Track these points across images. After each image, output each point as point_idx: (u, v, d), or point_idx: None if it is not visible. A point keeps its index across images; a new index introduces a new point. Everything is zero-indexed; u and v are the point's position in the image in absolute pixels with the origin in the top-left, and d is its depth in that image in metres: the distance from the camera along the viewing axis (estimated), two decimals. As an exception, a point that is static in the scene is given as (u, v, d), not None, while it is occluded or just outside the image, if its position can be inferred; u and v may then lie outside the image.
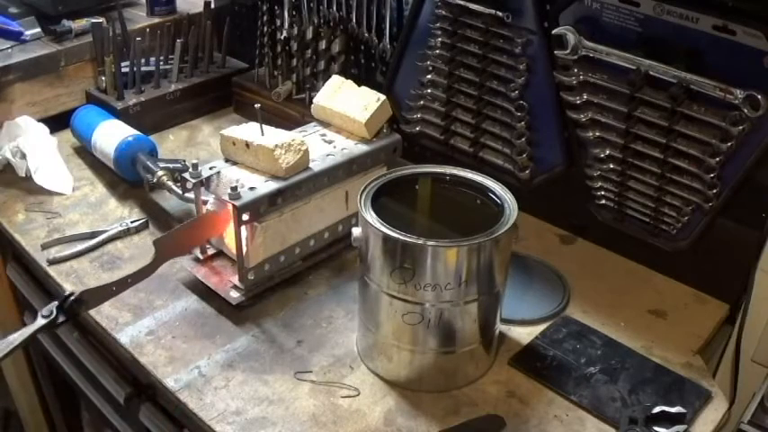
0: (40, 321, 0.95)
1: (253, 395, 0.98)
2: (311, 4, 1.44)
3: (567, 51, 1.10)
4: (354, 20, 1.39)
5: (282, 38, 1.51)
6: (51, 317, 0.95)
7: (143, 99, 1.52)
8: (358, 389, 1.00)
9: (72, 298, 0.96)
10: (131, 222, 1.28)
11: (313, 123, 1.28)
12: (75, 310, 0.97)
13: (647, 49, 1.04)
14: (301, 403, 0.97)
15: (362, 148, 1.21)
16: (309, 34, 1.47)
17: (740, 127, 0.99)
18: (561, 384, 1.01)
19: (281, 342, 1.07)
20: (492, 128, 1.28)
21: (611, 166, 1.15)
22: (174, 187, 1.23)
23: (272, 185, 1.09)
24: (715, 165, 1.03)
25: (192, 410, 0.96)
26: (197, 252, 1.16)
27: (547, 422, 0.96)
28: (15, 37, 1.50)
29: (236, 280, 1.12)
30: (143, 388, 1.14)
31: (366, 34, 1.39)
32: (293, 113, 1.52)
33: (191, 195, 1.13)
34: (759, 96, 0.96)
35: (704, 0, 0.97)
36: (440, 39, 1.26)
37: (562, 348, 1.06)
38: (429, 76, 1.32)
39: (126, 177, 1.38)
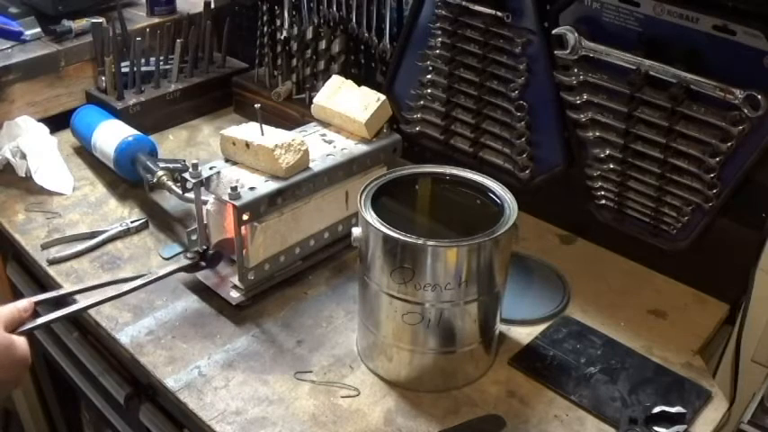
0: (184, 261, 1.10)
1: (253, 395, 0.98)
2: (311, 4, 1.44)
3: (567, 51, 1.10)
4: (354, 20, 1.39)
5: (282, 38, 1.51)
6: (194, 260, 1.11)
7: (143, 99, 1.52)
8: (358, 389, 1.00)
9: (210, 251, 1.12)
10: (131, 222, 1.28)
11: (313, 123, 1.28)
12: (215, 260, 1.13)
13: (647, 49, 1.04)
14: (301, 403, 0.97)
15: (362, 148, 1.21)
16: (309, 34, 1.47)
17: (740, 127, 0.99)
18: (561, 384, 1.01)
19: (281, 342, 1.07)
20: (492, 128, 1.28)
21: (611, 166, 1.15)
22: (174, 187, 1.23)
23: (272, 185, 1.09)
24: (715, 165, 1.03)
25: (192, 410, 0.96)
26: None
27: (547, 422, 0.96)
28: (15, 37, 1.50)
29: (236, 280, 1.12)
30: (143, 388, 1.14)
31: (366, 34, 1.39)
32: (293, 113, 1.52)
33: (191, 195, 1.13)
34: (759, 96, 0.96)
35: (704, 0, 0.97)
36: (440, 39, 1.26)
37: (562, 348, 1.06)
38: (429, 76, 1.31)
39: (126, 177, 1.38)
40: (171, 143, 1.56)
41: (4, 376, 0.83)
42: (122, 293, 1.02)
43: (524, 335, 1.09)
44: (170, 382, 0.99)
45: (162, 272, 1.07)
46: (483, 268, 0.93)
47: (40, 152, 1.38)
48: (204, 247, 1.12)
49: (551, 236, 1.31)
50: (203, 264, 1.12)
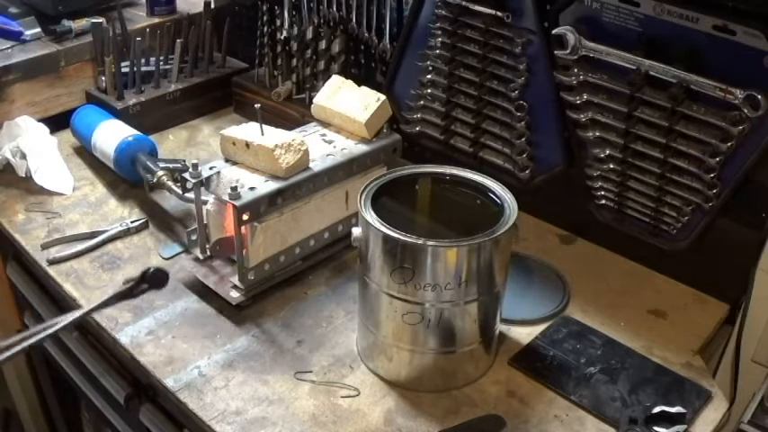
0: (122, 287, 0.93)
1: (253, 395, 0.98)
2: (311, 4, 1.44)
3: (567, 51, 1.10)
4: (354, 20, 1.39)
5: (282, 38, 1.51)
6: (129, 285, 0.94)
7: (143, 99, 1.53)
8: (358, 389, 1.00)
9: (152, 270, 0.94)
10: (131, 222, 1.28)
11: (313, 123, 1.28)
12: (159, 280, 0.95)
13: (647, 49, 1.04)
14: (301, 403, 0.97)
15: (362, 148, 1.21)
16: (309, 34, 1.47)
17: (740, 127, 0.99)
18: (561, 384, 1.01)
19: (281, 342, 1.07)
20: (492, 128, 1.28)
21: (611, 166, 1.15)
22: (174, 187, 1.23)
23: (272, 185, 1.09)
24: (715, 165, 1.03)
25: (192, 410, 0.96)
26: (197, 252, 1.16)
27: (547, 422, 0.96)
28: (15, 37, 1.50)
29: (236, 280, 1.12)
30: (143, 388, 1.14)
31: (366, 34, 1.40)
32: (293, 113, 1.52)
33: (191, 195, 1.13)
34: (759, 96, 0.96)
35: (704, 0, 0.97)
36: (440, 39, 1.26)
37: (562, 348, 1.06)
38: (429, 76, 1.31)
39: (126, 177, 1.38)
40: (171, 143, 1.56)
41: None
42: (62, 326, 0.91)
43: (524, 335, 1.09)
44: (170, 382, 0.99)
45: (92, 305, 0.92)
46: (483, 268, 0.93)
47: (40, 152, 1.38)
48: (146, 268, 0.95)
49: (551, 236, 1.31)
50: (145, 286, 0.95)
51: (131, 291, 0.94)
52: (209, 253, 1.14)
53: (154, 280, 0.95)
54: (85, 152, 1.47)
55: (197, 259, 1.16)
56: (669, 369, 1.04)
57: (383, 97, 1.23)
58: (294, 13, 1.47)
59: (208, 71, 1.65)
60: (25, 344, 0.87)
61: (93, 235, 1.25)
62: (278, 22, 1.51)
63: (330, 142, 1.22)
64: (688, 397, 0.99)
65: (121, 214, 1.32)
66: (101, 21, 1.55)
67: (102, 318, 1.09)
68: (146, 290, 0.95)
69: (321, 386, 1.00)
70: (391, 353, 1.00)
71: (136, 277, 0.95)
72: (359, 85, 1.26)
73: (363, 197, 0.97)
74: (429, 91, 1.33)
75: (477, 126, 1.29)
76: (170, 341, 1.06)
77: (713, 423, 0.97)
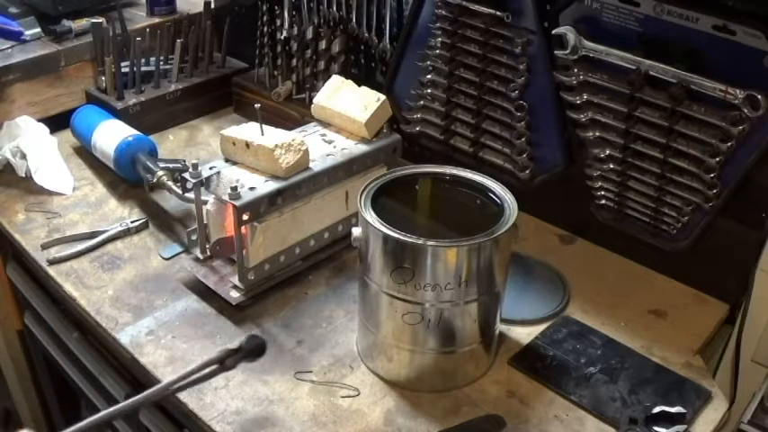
0: (217, 355, 0.84)
1: (253, 395, 0.98)
2: (311, 4, 1.44)
3: (567, 51, 1.10)
4: (354, 20, 1.39)
5: (282, 38, 1.51)
6: (223, 354, 0.84)
7: (143, 99, 1.53)
8: (358, 389, 1.00)
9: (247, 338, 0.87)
10: (131, 222, 1.28)
11: (313, 123, 1.28)
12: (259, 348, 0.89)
13: (647, 49, 1.04)
14: (301, 403, 0.97)
15: (362, 148, 1.21)
16: (309, 34, 1.47)
17: (740, 127, 0.99)
18: (561, 384, 1.01)
19: (281, 342, 1.07)
20: (492, 128, 1.28)
21: (611, 166, 1.15)
22: (174, 187, 1.23)
23: (272, 185, 1.09)
24: (715, 165, 1.03)
25: (192, 410, 0.96)
26: (197, 252, 1.16)
27: (547, 422, 0.96)
28: (15, 37, 1.50)
29: (236, 280, 1.12)
30: (143, 388, 1.14)
31: (366, 34, 1.39)
32: (293, 113, 1.52)
33: (191, 195, 1.13)
34: (759, 96, 0.96)
35: (704, 0, 0.97)
36: (440, 39, 1.26)
37: (562, 348, 1.06)
38: (429, 76, 1.31)
39: (126, 177, 1.38)
40: (171, 143, 1.56)
41: None
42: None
43: (524, 335, 1.09)
44: (170, 382, 0.99)
45: (181, 377, 0.85)
46: (483, 268, 0.93)
47: (40, 152, 1.38)
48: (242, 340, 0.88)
49: (551, 236, 1.31)
50: (241, 354, 0.86)
51: (224, 360, 0.85)
52: (209, 253, 1.14)
53: (252, 349, 0.87)
54: (85, 152, 1.47)
55: (197, 259, 1.16)
56: (669, 369, 1.04)
57: (383, 97, 1.23)
58: (294, 13, 1.47)
59: (208, 71, 1.65)
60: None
61: (93, 235, 1.25)
62: (278, 22, 1.51)
63: (330, 142, 1.22)
64: (688, 397, 0.99)
65: (121, 214, 1.32)
66: (101, 21, 1.55)
67: (102, 318, 1.09)
68: (242, 358, 0.86)
69: (321, 386, 1.00)
70: (391, 353, 1.00)
71: (231, 348, 0.85)
72: (359, 85, 1.26)
73: (363, 197, 0.97)
74: (429, 91, 1.33)
75: (477, 126, 1.29)
76: (170, 341, 1.06)
77: (713, 423, 0.97)
